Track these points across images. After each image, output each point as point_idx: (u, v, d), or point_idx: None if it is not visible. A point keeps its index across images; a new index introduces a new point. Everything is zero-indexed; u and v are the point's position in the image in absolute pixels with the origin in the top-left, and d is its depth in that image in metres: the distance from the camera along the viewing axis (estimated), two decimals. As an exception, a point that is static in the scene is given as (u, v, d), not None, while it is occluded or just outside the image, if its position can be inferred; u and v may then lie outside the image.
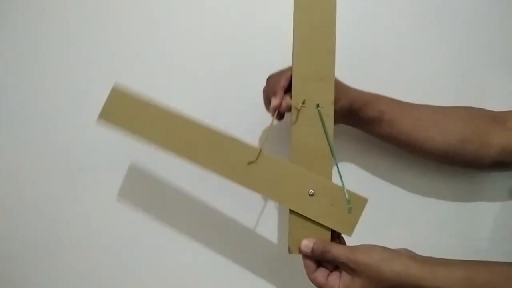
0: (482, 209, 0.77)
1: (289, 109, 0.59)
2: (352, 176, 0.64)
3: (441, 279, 0.53)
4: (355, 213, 0.59)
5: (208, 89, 0.72)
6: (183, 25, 0.72)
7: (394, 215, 0.74)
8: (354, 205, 0.58)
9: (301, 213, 0.59)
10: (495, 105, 0.71)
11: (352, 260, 0.55)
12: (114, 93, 0.58)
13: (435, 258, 0.56)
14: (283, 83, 0.59)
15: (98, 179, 0.71)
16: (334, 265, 0.58)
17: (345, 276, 0.56)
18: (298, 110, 0.57)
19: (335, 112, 0.59)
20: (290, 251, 0.60)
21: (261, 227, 0.74)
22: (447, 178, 0.76)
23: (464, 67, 0.77)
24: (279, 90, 0.59)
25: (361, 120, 0.66)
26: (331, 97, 0.58)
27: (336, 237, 0.61)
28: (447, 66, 0.76)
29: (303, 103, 0.57)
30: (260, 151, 0.58)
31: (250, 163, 0.58)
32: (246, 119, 0.72)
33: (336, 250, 0.57)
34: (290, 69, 0.59)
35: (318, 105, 0.58)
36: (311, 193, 0.59)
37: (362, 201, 0.59)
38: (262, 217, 0.74)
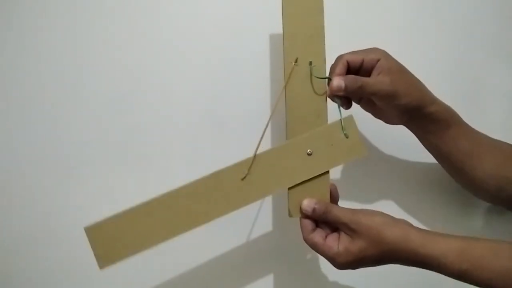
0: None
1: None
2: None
3: (438, 248, 0.53)
4: (352, 132, 0.59)
5: (206, 82, 0.72)
6: (178, 19, 0.71)
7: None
8: (347, 128, 0.59)
9: (306, 179, 0.59)
10: (493, 101, 0.70)
11: (354, 221, 0.55)
12: (91, 233, 0.55)
13: (433, 231, 0.56)
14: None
15: (93, 174, 0.70)
16: (333, 228, 0.58)
17: (345, 238, 0.56)
18: (291, 69, 0.57)
19: (400, 108, 0.58)
20: (290, 215, 0.59)
21: (258, 221, 0.73)
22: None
23: (461, 62, 0.75)
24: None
25: (429, 121, 0.61)
26: (323, 54, 0.58)
27: (334, 203, 0.61)
28: (443, 60, 0.75)
29: (296, 61, 0.57)
30: (254, 159, 0.57)
31: (243, 178, 0.57)
32: (245, 114, 0.72)
33: (338, 211, 0.57)
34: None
35: (310, 63, 0.58)
36: (309, 152, 0.58)
37: (350, 119, 0.59)
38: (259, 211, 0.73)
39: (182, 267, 0.72)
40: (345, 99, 0.59)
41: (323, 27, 0.58)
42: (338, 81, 0.56)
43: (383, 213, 0.56)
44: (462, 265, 0.52)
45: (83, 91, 0.70)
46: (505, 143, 0.65)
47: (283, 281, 0.73)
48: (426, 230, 0.55)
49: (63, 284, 0.71)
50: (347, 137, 0.59)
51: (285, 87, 0.58)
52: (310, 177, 0.59)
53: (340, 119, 0.59)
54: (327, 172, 0.59)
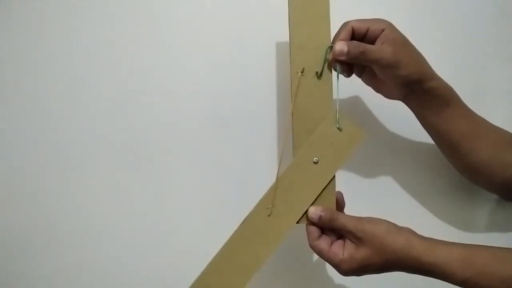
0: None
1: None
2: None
3: (441, 256, 0.54)
4: (344, 123, 0.59)
5: (211, 83, 0.72)
6: (183, 20, 0.72)
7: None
8: (338, 121, 0.59)
9: (323, 188, 0.60)
10: (494, 101, 0.71)
11: (359, 229, 0.56)
12: None
13: (436, 239, 0.56)
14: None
15: (96, 174, 0.71)
16: (338, 235, 0.59)
17: (350, 245, 0.57)
18: (298, 80, 0.58)
19: (400, 80, 0.59)
20: (297, 221, 0.60)
21: None
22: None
23: (462, 62, 0.75)
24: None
25: (428, 96, 0.61)
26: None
27: (340, 210, 0.62)
28: (444, 60, 0.72)
29: (302, 71, 0.58)
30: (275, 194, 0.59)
31: (269, 215, 0.59)
32: (249, 115, 0.72)
33: (343, 219, 0.58)
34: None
35: (317, 73, 0.58)
36: (315, 160, 0.59)
37: (336, 111, 0.59)
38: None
39: (189, 274, 0.73)
40: (346, 66, 0.60)
41: (329, 37, 0.58)
42: (341, 45, 0.57)
43: (387, 221, 0.57)
44: (466, 272, 0.53)
45: (86, 91, 0.70)
46: (503, 129, 0.65)
47: (288, 284, 0.74)
48: (430, 238, 0.56)
49: (64, 284, 0.72)
50: (341, 130, 0.59)
51: (292, 99, 0.59)
52: (325, 185, 0.60)
53: (336, 114, 0.59)
54: (333, 179, 0.60)
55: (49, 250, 0.71)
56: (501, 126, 0.65)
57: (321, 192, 0.59)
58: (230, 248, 0.59)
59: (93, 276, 0.72)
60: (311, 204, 0.59)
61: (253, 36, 0.72)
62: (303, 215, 0.60)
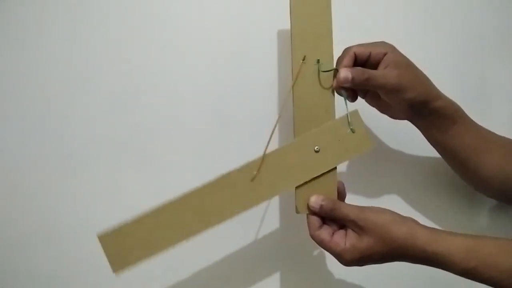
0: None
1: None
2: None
3: (444, 245, 0.53)
4: (358, 127, 0.59)
5: (213, 81, 0.72)
6: (183, 17, 0.72)
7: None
8: (353, 122, 0.59)
9: (314, 176, 0.59)
10: (498, 100, 0.71)
11: (362, 218, 0.55)
12: (104, 240, 0.55)
13: (440, 229, 0.56)
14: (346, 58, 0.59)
15: (98, 173, 0.71)
16: (340, 225, 0.58)
17: (352, 235, 0.56)
18: (299, 67, 0.58)
19: (406, 103, 0.59)
20: (297, 211, 0.60)
21: (265, 218, 0.73)
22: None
23: (466, 61, 0.75)
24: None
25: (434, 116, 0.61)
26: (331, 52, 0.59)
27: (341, 200, 0.61)
28: (448, 60, 0.75)
29: (304, 59, 0.58)
30: (263, 159, 0.58)
31: (253, 179, 0.58)
32: (252, 113, 0.72)
33: (345, 208, 0.57)
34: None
35: (318, 61, 0.59)
36: (317, 149, 0.59)
37: (355, 114, 0.59)
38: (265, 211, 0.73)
39: (188, 265, 0.72)
40: (351, 92, 0.60)
41: (331, 25, 0.59)
42: (345, 73, 0.57)
43: (390, 210, 0.57)
44: (469, 262, 0.52)
45: (87, 90, 0.70)
46: (510, 139, 0.65)
47: (290, 277, 0.73)
48: (433, 228, 0.55)
49: (64, 284, 0.71)
50: (353, 132, 0.59)
51: (293, 86, 0.59)
52: (318, 174, 0.59)
53: (347, 114, 0.59)
54: (335, 168, 0.60)
55: (49, 250, 0.70)
56: (501, 127, 0.65)
57: (322, 181, 0.59)
58: (199, 193, 0.57)
59: (93, 276, 0.71)
60: (296, 188, 0.59)
61: (253, 35, 0.72)
62: (293, 197, 0.60)
